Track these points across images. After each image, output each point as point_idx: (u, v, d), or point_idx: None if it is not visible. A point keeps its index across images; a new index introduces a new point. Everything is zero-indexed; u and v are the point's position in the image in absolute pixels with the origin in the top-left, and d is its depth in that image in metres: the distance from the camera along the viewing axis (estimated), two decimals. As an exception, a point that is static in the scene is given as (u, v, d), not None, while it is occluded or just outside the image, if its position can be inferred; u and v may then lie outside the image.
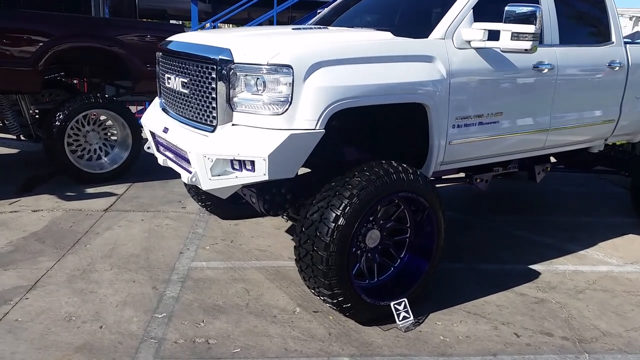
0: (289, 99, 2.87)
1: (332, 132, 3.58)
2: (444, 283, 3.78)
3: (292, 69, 2.84)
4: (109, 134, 6.20)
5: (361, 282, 3.29)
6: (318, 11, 5.24)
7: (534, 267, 4.19)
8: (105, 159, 6.11)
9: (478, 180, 4.21)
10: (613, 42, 4.48)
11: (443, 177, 4.47)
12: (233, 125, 3.05)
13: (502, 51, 3.42)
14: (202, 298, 3.51)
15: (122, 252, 4.17)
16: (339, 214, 2.91)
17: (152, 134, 3.88)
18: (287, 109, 2.88)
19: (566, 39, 4.12)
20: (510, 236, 4.83)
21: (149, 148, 4.05)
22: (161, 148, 3.87)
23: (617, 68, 4.40)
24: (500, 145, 3.84)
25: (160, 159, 3.81)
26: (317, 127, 2.91)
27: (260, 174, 2.89)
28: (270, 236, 4.60)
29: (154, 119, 3.88)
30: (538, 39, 3.22)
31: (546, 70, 3.85)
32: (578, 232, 4.99)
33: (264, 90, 2.92)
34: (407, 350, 3.02)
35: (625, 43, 4.56)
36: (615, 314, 3.52)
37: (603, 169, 5.60)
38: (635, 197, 5.23)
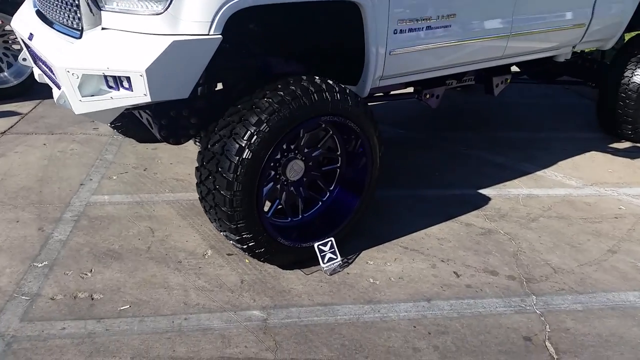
0: (170, -6, 2.16)
1: (250, 38, 2.93)
2: (382, 214, 3.32)
3: (170, -50, 2.11)
4: (9, 41, 5.28)
5: (282, 220, 2.79)
6: None
7: (485, 191, 3.76)
8: (8, 71, 5.24)
9: (427, 96, 3.64)
10: None
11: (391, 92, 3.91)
12: (103, 29, 2.35)
13: None
14: (95, 241, 2.96)
15: (11, 185, 3.54)
16: (243, 145, 2.33)
17: (23, 41, 3.11)
18: (167, 7, 2.18)
19: None
20: (462, 156, 4.36)
21: (24, 60, 3.28)
22: (37, 60, 3.12)
23: (593, -41, 3.73)
24: (452, 54, 3.23)
25: (36, 73, 3.08)
26: (212, 32, 2.24)
27: (140, 94, 2.25)
28: (193, 163, 3.96)
29: (23, 21, 3.09)
30: None
31: (509, -40, 3.16)
32: (536, 149, 4.55)
33: (138, -18, 2.20)
34: (329, 299, 2.60)
35: None
36: (569, 245, 3.16)
37: (569, 80, 5.09)
38: (601, 110, 4.78)
